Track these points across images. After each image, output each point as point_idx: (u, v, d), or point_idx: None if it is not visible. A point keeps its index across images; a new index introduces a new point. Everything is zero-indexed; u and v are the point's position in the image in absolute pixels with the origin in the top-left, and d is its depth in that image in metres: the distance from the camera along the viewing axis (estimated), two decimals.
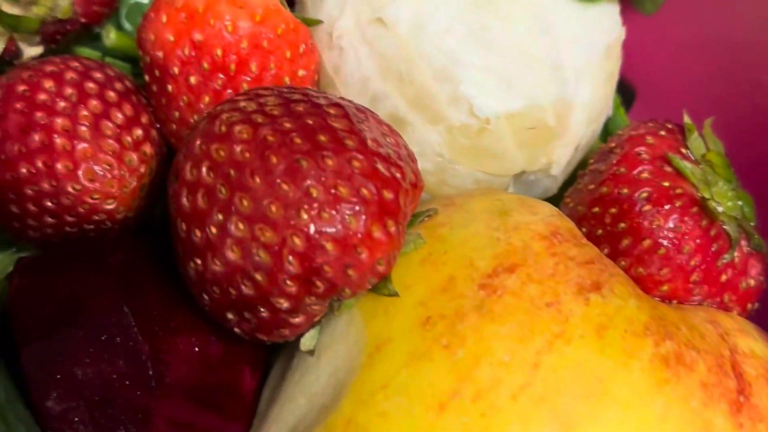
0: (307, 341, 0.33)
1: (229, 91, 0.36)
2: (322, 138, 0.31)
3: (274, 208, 0.30)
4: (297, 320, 0.32)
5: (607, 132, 0.46)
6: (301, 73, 0.38)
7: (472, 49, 0.36)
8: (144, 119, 0.38)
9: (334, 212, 0.30)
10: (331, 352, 0.34)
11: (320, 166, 0.31)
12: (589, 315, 0.31)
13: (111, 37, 0.43)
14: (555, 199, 0.39)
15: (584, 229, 0.36)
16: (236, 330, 0.33)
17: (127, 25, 0.46)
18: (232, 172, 0.31)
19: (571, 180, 0.41)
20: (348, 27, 0.38)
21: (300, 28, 0.37)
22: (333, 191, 0.30)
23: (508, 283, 0.31)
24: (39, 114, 0.36)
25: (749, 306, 0.36)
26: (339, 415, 0.31)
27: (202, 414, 0.36)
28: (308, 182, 0.30)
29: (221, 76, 0.36)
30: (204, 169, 0.32)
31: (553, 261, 0.32)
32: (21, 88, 0.36)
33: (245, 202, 0.30)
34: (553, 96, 0.37)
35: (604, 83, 0.39)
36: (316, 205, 0.30)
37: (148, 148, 0.38)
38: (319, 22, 0.39)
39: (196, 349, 0.36)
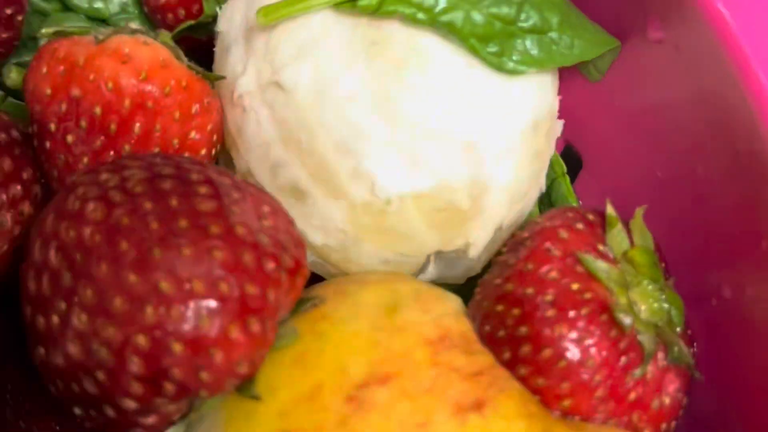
0: None
1: (112, 153, 0.33)
2: (183, 223, 0.28)
3: (118, 302, 0.27)
4: (149, 420, 0.29)
5: (550, 202, 0.43)
6: (193, 135, 0.34)
7: (376, 122, 0.33)
8: (26, 174, 0.35)
9: (184, 310, 0.27)
10: None
11: (174, 256, 0.27)
12: None
13: (12, 77, 0.39)
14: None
15: (487, 328, 0.32)
16: (87, 425, 0.30)
17: None
18: (78, 256, 0.28)
19: None
20: (249, 86, 0.35)
21: (194, 86, 0.34)
22: (186, 286, 0.27)
23: (377, 397, 0.28)
24: None
25: (663, 426, 0.32)
26: None
27: None
28: (158, 274, 0.27)
29: (101, 137, 0.33)
30: (52, 250, 0.29)
31: (433, 372, 0.29)
32: None
33: (89, 292, 0.27)
34: (466, 177, 0.34)
35: (530, 161, 0.36)
36: (164, 300, 0.27)
37: (26, 208, 0.35)
38: (221, 77, 0.36)
39: None
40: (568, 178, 0.42)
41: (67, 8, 0.45)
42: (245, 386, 0.29)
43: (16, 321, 0.33)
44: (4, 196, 0.34)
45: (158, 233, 0.28)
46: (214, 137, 0.36)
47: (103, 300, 0.27)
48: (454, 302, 0.32)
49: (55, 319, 0.28)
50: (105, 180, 0.29)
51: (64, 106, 0.33)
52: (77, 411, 0.29)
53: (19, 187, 0.35)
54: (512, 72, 0.34)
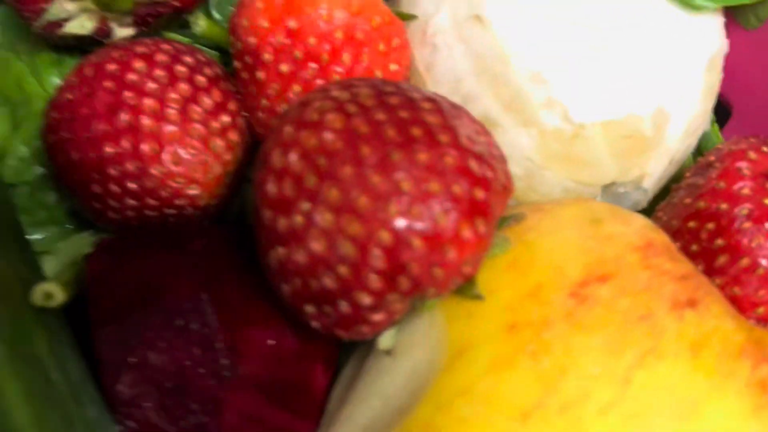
0: (385, 340, 0.32)
1: (320, 81, 0.36)
2: (415, 131, 0.30)
3: (363, 200, 0.29)
4: (377, 317, 0.31)
5: (699, 149, 0.44)
6: (393, 67, 0.37)
7: (571, 53, 0.35)
8: (231, 106, 0.38)
9: (424, 208, 0.29)
10: (409, 354, 0.33)
11: (412, 160, 0.30)
12: (683, 332, 0.29)
13: (201, 24, 0.42)
14: (644, 214, 0.38)
15: (678, 244, 0.34)
16: (314, 324, 0.32)
17: (216, 15, 0.46)
18: (321, 160, 0.30)
19: (662, 195, 0.40)
20: (444, 24, 0.37)
21: (395, 22, 0.37)
22: (424, 186, 0.29)
23: (599, 293, 0.30)
24: (128, 93, 0.36)
25: None
26: (416, 418, 0.30)
27: (273, 409, 0.35)
28: (399, 175, 0.29)
29: (313, 65, 0.35)
30: (293, 156, 0.31)
31: (647, 274, 0.31)
32: (111, 67, 0.36)
33: (334, 192, 0.30)
34: (652, 106, 0.36)
35: (704, 97, 0.38)
36: (406, 199, 0.29)
37: (234, 136, 0.37)
38: (413, 17, 0.38)
39: (271, 342, 0.35)
40: (717, 127, 0.44)
41: None
42: (466, 287, 0.31)
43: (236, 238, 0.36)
44: (216, 124, 0.37)
45: (394, 140, 0.30)
46: (407, 72, 0.38)
47: (348, 198, 0.29)
48: (646, 219, 0.34)
49: (299, 218, 0.30)
50: (337, 96, 0.32)
51: (280, 38, 0.35)
52: (309, 309, 0.32)
53: (227, 117, 0.37)
54: (699, 8, 0.36)
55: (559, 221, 0.33)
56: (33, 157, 0.42)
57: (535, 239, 0.33)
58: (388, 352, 0.33)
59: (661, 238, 0.33)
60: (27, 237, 0.41)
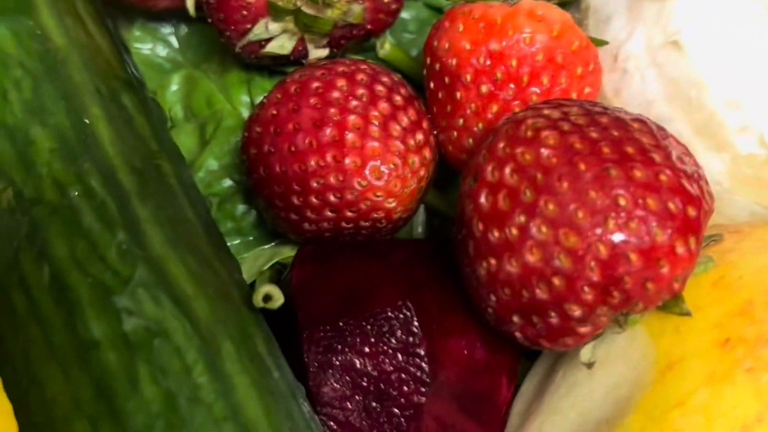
0: (587, 353, 0.33)
1: (517, 102, 0.37)
2: (630, 150, 0.31)
3: (580, 214, 0.30)
4: (584, 330, 0.32)
5: None
6: (587, 90, 0.38)
7: (766, 78, 0.36)
8: (425, 125, 0.39)
9: (641, 223, 0.30)
10: (609, 367, 0.33)
11: (629, 177, 0.31)
12: None
13: (386, 47, 0.44)
14: None
15: None
16: (517, 335, 0.33)
17: (390, 39, 0.47)
18: (538, 175, 0.31)
19: None
20: (636, 50, 0.38)
21: (591, 47, 0.38)
22: (641, 202, 0.30)
23: None
24: (332, 110, 0.37)
25: None
26: (626, 430, 0.31)
27: (463, 418, 0.36)
28: (617, 191, 0.30)
29: (512, 86, 0.37)
30: (507, 171, 0.32)
31: None
32: (315, 84, 0.38)
33: (551, 206, 0.31)
34: None
35: None
36: (623, 214, 0.30)
37: (428, 153, 0.39)
38: (605, 42, 0.39)
39: (465, 352, 0.36)
40: None
41: None
42: (673, 303, 0.32)
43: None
44: (412, 141, 0.38)
45: (610, 157, 0.31)
46: (598, 95, 0.39)
47: (566, 212, 0.31)
48: None
49: (513, 231, 0.31)
50: (548, 114, 0.33)
51: (482, 59, 0.37)
52: (517, 319, 0.33)
53: (421, 135, 0.39)
54: None
55: (761, 243, 0.34)
56: (223, 171, 0.44)
57: (738, 260, 0.33)
58: (589, 365, 0.33)
59: None
60: None
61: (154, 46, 0.50)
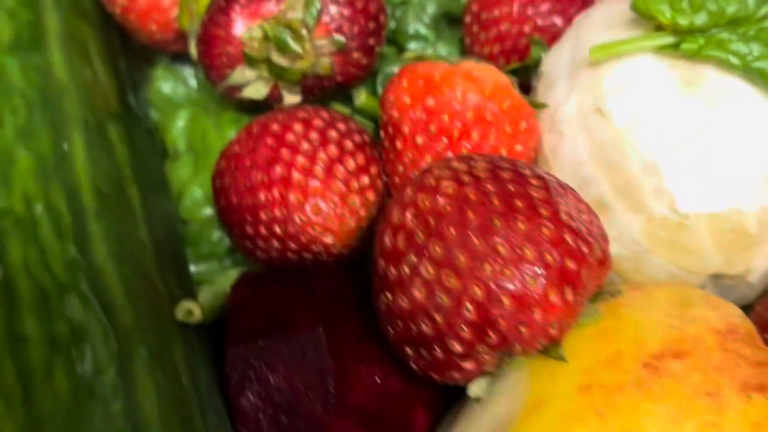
0: (474, 388, 0.36)
1: (449, 153, 0.40)
2: (519, 203, 0.34)
3: (462, 258, 0.33)
4: (467, 365, 0.35)
5: None
6: (518, 148, 0.41)
7: (682, 148, 0.38)
8: (373, 170, 0.43)
9: (515, 270, 0.33)
10: (495, 404, 0.36)
11: (511, 227, 0.33)
12: (748, 412, 0.31)
13: (360, 98, 0.48)
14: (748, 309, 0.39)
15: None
16: (413, 365, 0.36)
17: (380, 90, 0.51)
18: (431, 220, 0.34)
19: None
20: (570, 113, 0.41)
21: (523, 107, 0.40)
22: (518, 251, 0.33)
23: (672, 366, 0.32)
24: (284, 150, 0.41)
25: None
26: None
27: None
28: (497, 239, 0.33)
29: (444, 140, 0.40)
30: (408, 215, 0.35)
31: (722, 356, 0.33)
32: (274, 127, 0.42)
33: (437, 248, 0.34)
34: (758, 204, 0.38)
35: None
36: (500, 260, 0.33)
37: (371, 195, 0.42)
38: (544, 106, 0.42)
39: (377, 379, 0.39)
40: None
41: (401, 51, 0.53)
42: (552, 348, 0.34)
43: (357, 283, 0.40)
44: (355, 184, 0.42)
45: (498, 208, 0.34)
46: (533, 154, 0.42)
47: (450, 255, 0.33)
48: (737, 309, 0.36)
49: (406, 269, 0.34)
50: (456, 166, 0.36)
51: (418, 113, 0.40)
52: (409, 350, 0.36)
53: (366, 179, 0.42)
54: None
55: (651, 300, 0.36)
56: (205, 199, 0.48)
57: (624, 313, 0.35)
58: (477, 399, 0.36)
59: (747, 326, 0.35)
60: (190, 266, 0.47)
61: (174, 84, 0.55)
